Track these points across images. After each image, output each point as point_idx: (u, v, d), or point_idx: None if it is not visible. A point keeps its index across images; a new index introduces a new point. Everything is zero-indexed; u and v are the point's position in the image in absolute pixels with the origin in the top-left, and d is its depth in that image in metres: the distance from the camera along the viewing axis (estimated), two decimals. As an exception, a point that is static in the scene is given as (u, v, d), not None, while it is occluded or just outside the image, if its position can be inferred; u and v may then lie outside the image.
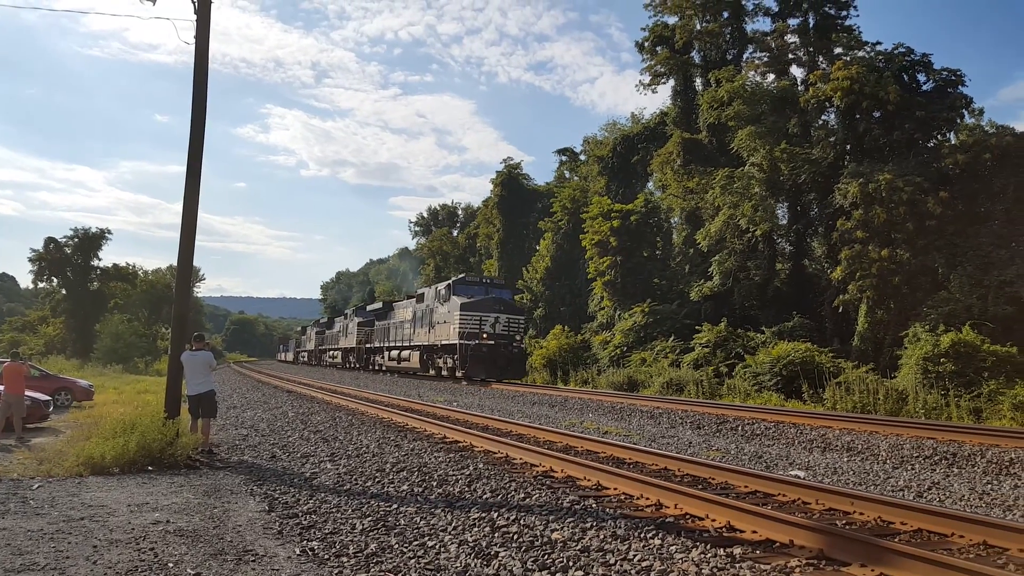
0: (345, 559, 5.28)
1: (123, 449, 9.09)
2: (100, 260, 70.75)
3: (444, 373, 32.71)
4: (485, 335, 29.35)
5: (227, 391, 25.79)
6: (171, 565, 5.14)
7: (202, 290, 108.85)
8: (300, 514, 6.70)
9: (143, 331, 60.68)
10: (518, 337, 30.99)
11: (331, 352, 60.04)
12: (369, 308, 49.14)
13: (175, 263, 11.01)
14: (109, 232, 70.47)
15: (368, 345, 46.08)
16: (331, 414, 16.58)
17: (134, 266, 76.63)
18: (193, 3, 10.90)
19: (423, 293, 36.35)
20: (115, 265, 74.11)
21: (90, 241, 68.58)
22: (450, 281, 32.71)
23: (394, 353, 39.29)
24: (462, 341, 29.24)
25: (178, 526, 6.29)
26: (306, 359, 76.06)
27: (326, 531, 6.08)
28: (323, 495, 7.57)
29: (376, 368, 43.87)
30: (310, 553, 5.45)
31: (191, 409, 10.94)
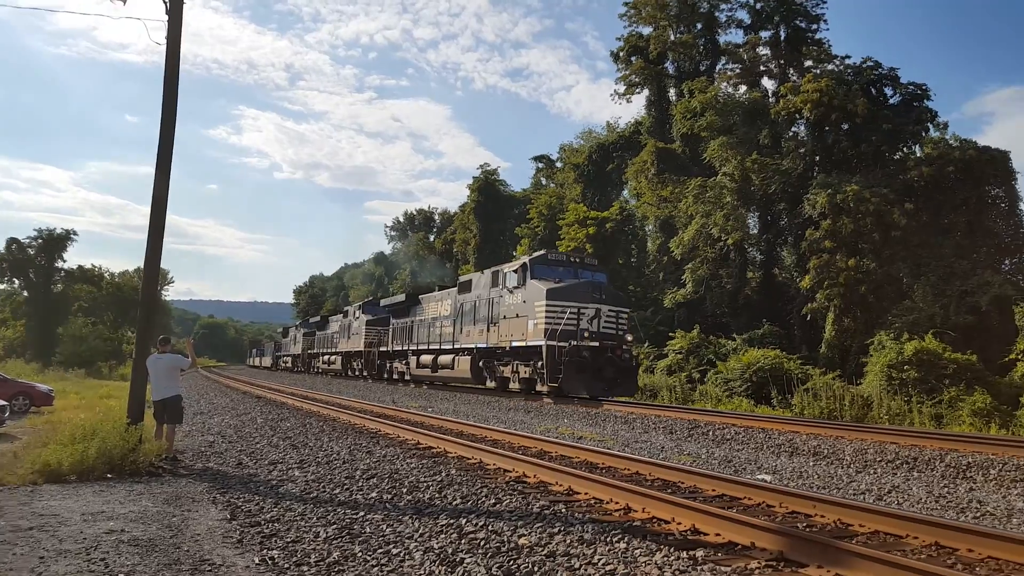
0: (306, 568, 5.22)
1: (82, 456, 8.86)
2: (65, 261, 69.49)
3: (515, 387, 23.53)
4: (587, 334, 20.72)
5: (194, 396, 25.43)
6: None
7: (171, 293, 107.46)
8: (263, 522, 6.61)
9: (108, 335, 59.63)
10: (629, 338, 22.35)
11: (326, 357, 50.40)
12: (385, 303, 39.34)
13: (143, 265, 10.83)
14: (75, 233, 69.20)
15: (383, 348, 37.02)
16: (302, 420, 16.42)
17: (100, 268, 75.42)
18: (165, 3, 10.78)
19: (469, 280, 27.69)
20: (80, 267, 72.95)
21: (54, 242, 67.28)
22: (524, 260, 23.50)
23: (426, 358, 30.22)
24: (550, 343, 20.48)
25: (133, 535, 6.15)
26: (289, 365, 66.55)
27: (288, 540, 6.00)
28: (288, 503, 7.49)
29: (395, 377, 35.04)
30: (269, 562, 5.38)
31: (156, 414, 10.74)
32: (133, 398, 10.50)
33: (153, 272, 10.76)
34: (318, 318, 61.35)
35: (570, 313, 20.87)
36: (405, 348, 33.15)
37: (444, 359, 28.44)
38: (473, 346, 25.79)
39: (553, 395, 21.04)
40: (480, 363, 25.54)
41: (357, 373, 42.01)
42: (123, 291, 70.59)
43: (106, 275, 74.83)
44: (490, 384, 25.48)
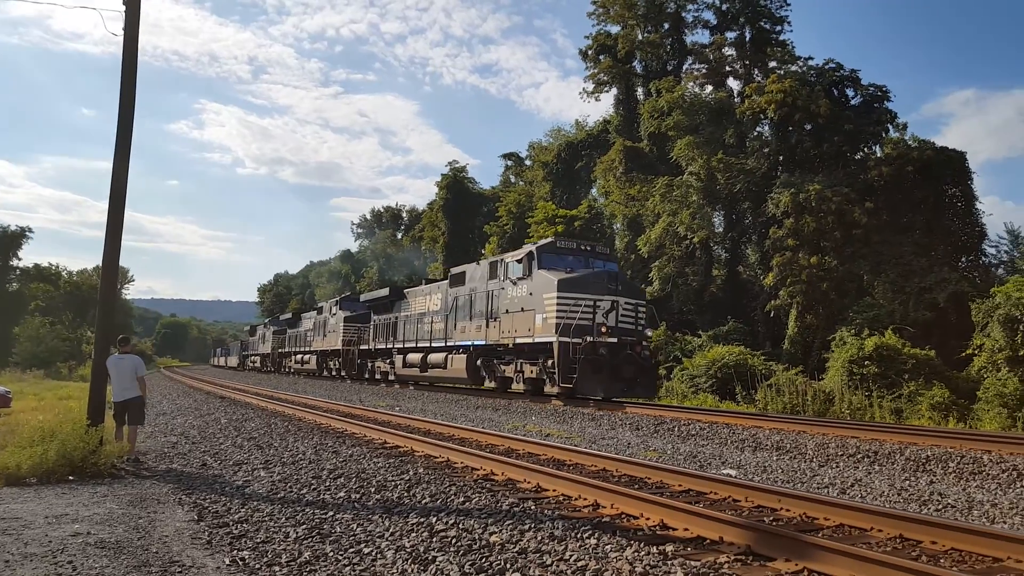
0: (277, 568, 5.18)
1: (41, 458, 8.68)
2: (20, 260, 67.89)
3: (519, 387, 22.01)
4: (605, 329, 18.72)
5: (157, 397, 25.02)
6: (93, 577, 4.96)
7: (131, 292, 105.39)
8: (231, 523, 6.53)
9: (66, 335, 58.32)
10: (650, 334, 20.60)
11: (299, 356, 47.49)
12: (365, 298, 37.00)
13: (101, 263, 10.60)
14: (30, 230, 67.61)
15: (364, 347, 34.70)
16: (266, 420, 16.24)
17: (57, 266, 73.80)
18: (122, -6, 10.56)
19: (463, 272, 25.26)
20: (36, 265, 71.29)
21: (9, 240, 65.65)
22: (531, 249, 21.15)
23: (413, 357, 27.91)
24: (562, 339, 18.43)
25: (100, 538, 6.05)
26: (258, 364, 63.43)
27: (258, 540, 5.94)
28: (256, 503, 7.41)
29: (377, 377, 33.03)
30: (240, 563, 5.33)
31: (116, 416, 10.54)
32: (93, 399, 10.28)
33: (112, 270, 10.53)
34: (289, 315, 57.59)
35: (585, 306, 18.84)
36: (389, 346, 31.04)
37: (435, 358, 26.14)
38: (469, 343, 23.66)
39: (564, 396, 19.30)
40: (478, 362, 23.50)
41: (334, 373, 39.65)
42: (82, 290, 69.12)
43: (64, 273, 73.24)
44: (489, 385, 23.67)
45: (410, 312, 29.57)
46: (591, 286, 19.33)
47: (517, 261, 21.44)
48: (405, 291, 31.39)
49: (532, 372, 20.59)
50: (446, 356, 25.16)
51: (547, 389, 20.28)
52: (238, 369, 71.51)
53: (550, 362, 19.36)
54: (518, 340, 20.75)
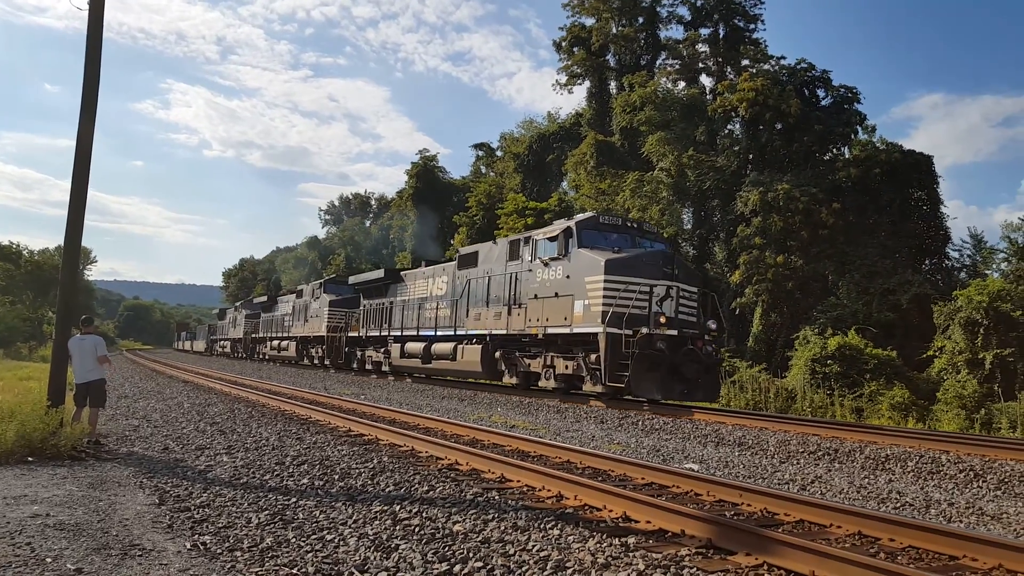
0: (239, 553, 5.14)
1: (0, 439, 8.53)
2: (-21, 238, 66.16)
3: (548, 384, 18.46)
4: (663, 319, 15.97)
5: (119, 380, 24.59)
6: (49, 560, 4.87)
7: (93, 273, 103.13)
8: (192, 508, 6.47)
9: (27, 315, 57.09)
10: (713, 326, 17.51)
11: (275, 342, 44.11)
12: (354, 280, 33.20)
13: (63, 242, 10.38)
14: (-10, 208, 65.96)
15: (353, 334, 31.68)
16: (229, 405, 16.07)
17: (18, 245, 71.92)
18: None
19: (475, 253, 22.39)
20: (-3, 243, 69.42)
21: (-32, 218, 64.04)
22: (568, 224, 18.11)
23: (413, 347, 24.70)
24: (611, 329, 15.73)
25: (59, 519, 5.95)
26: (228, 349, 60.16)
27: (220, 525, 5.89)
28: (218, 488, 7.33)
29: (368, 367, 29.74)
30: (201, 547, 5.28)
31: (77, 397, 10.36)
32: (54, 380, 10.09)
33: (74, 249, 10.31)
34: (265, 298, 52.99)
35: (640, 292, 16.24)
36: (383, 334, 28.10)
37: (441, 348, 23.16)
38: (486, 333, 20.71)
39: (607, 397, 16.81)
40: (496, 354, 20.60)
41: (316, 362, 36.51)
42: (43, 269, 67.46)
43: (25, 252, 71.45)
44: (509, 380, 20.51)
45: (408, 297, 26.68)
46: (644, 269, 16.59)
47: (550, 239, 18.50)
48: (403, 273, 28.42)
49: (567, 368, 17.73)
50: (455, 346, 22.31)
51: (587, 387, 17.16)
52: (205, 354, 68.71)
53: (593, 356, 16.68)
54: (550, 330, 17.85)
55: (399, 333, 26.61)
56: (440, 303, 24.07)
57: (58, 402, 9.83)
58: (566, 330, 17.25)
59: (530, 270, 19.06)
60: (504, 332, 19.82)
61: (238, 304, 63.08)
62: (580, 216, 19.97)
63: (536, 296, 18.54)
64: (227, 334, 61.24)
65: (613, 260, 16.50)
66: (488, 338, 20.68)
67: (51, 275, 63.90)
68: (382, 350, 28.30)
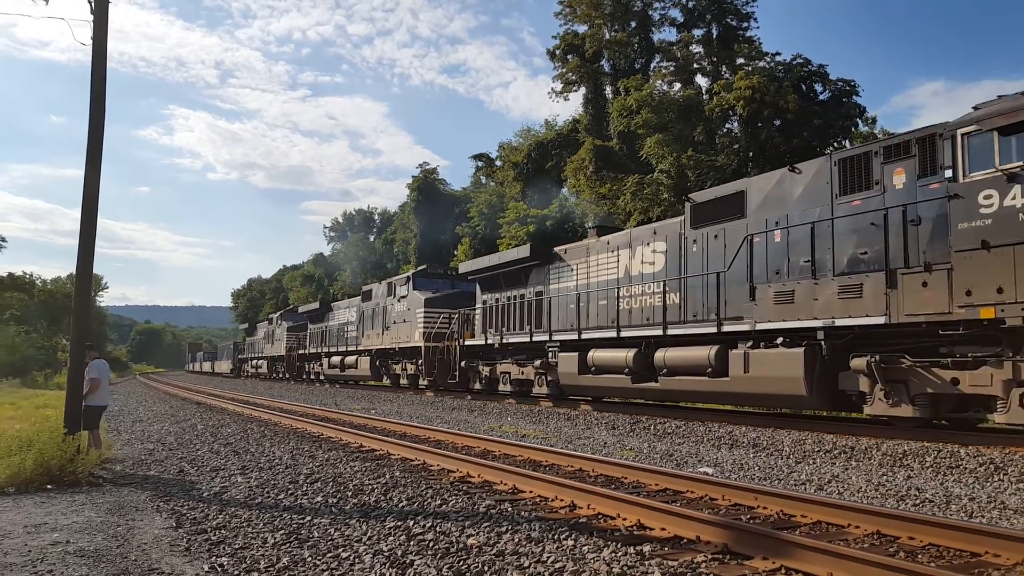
0: (256, 574, 5.18)
1: (19, 468, 8.62)
2: (-7, 270, 66.84)
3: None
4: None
5: (132, 404, 24.71)
6: (70, 589, 4.92)
7: (105, 299, 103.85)
8: (209, 529, 6.51)
9: (42, 343, 57.58)
10: None
11: (335, 359, 35.99)
12: (467, 269, 25.76)
13: (75, 271, 10.51)
14: (3, 240, 66.58)
15: (471, 342, 23.56)
16: (242, 426, 16.13)
17: (31, 275, 72.72)
18: (90, 3, 10.41)
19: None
20: (10, 274, 70.19)
21: (-18, 251, 64.58)
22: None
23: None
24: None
25: (79, 546, 6.01)
26: (263, 369, 51.87)
27: (236, 546, 5.93)
28: (234, 509, 7.38)
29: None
30: (219, 569, 5.32)
31: (96, 422, 10.60)
32: (69, 407, 10.20)
33: (86, 277, 10.41)
34: (315, 306, 44.29)
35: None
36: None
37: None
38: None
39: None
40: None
41: (406, 382, 29.48)
42: (56, 298, 68.17)
43: (38, 282, 72.26)
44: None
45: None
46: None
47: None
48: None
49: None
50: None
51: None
52: (230, 376, 61.79)
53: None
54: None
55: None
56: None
57: (75, 429, 9.94)
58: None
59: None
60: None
61: (276, 315, 53.59)
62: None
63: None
64: (261, 352, 53.40)
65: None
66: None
67: (64, 303, 64.43)
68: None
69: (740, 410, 16.87)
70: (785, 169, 14.05)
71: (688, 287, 15.63)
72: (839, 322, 12.03)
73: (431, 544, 5.82)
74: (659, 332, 15.71)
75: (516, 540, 5.84)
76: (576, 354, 18.01)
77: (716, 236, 15.05)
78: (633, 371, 16.21)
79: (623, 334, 16.78)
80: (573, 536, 5.88)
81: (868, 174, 12.21)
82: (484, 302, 23.52)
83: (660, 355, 15.50)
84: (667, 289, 16.07)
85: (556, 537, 5.88)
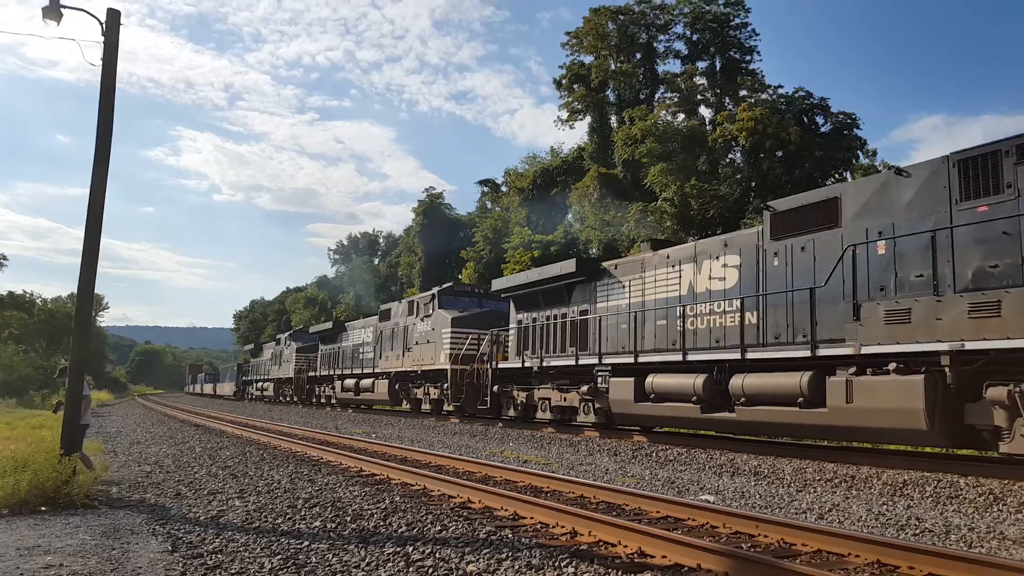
0: (253, 598, 5.12)
1: (13, 489, 8.51)
2: (-6, 288, 66.92)
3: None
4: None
5: (131, 426, 24.61)
6: (64, 611, 4.86)
7: (105, 319, 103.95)
8: (205, 554, 6.44)
9: (40, 363, 57.44)
10: None
11: (349, 381, 33.56)
12: (501, 286, 22.77)
13: (76, 290, 10.50)
14: (5, 258, 66.75)
15: (504, 365, 21.42)
16: (241, 448, 16.04)
17: (31, 294, 72.81)
18: (101, 25, 10.56)
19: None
20: (11, 293, 70.26)
21: (-17, 269, 64.66)
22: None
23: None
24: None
25: (72, 569, 5.94)
26: (269, 392, 49.64)
27: (233, 571, 5.87)
28: (231, 533, 7.31)
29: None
30: (216, 593, 5.25)
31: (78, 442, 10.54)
32: (66, 428, 10.13)
33: (87, 299, 10.42)
34: (328, 326, 40.69)
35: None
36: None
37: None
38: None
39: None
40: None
41: (428, 407, 26.96)
42: (56, 317, 68.12)
43: (38, 301, 72.28)
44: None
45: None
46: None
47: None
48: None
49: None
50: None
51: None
52: (233, 399, 59.44)
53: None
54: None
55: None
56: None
57: (71, 450, 9.85)
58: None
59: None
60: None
61: (284, 336, 51.01)
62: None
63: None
64: (267, 374, 50.98)
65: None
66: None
67: (63, 322, 64.42)
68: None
69: (742, 438, 16.70)
70: (889, 171, 12.46)
71: (768, 305, 13.52)
72: (970, 345, 9.95)
73: (430, 570, 5.75)
74: (736, 356, 13.63)
75: (516, 567, 5.78)
76: (632, 379, 15.93)
77: (803, 248, 13.07)
78: (703, 399, 14.20)
79: (690, 358, 14.72)
80: (574, 563, 5.81)
81: (997, 176, 10.41)
82: (520, 322, 21.16)
83: (738, 381, 13.38)
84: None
85: (556, 564, 5.81)
